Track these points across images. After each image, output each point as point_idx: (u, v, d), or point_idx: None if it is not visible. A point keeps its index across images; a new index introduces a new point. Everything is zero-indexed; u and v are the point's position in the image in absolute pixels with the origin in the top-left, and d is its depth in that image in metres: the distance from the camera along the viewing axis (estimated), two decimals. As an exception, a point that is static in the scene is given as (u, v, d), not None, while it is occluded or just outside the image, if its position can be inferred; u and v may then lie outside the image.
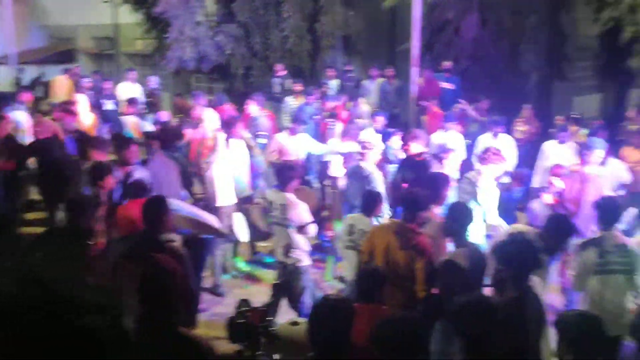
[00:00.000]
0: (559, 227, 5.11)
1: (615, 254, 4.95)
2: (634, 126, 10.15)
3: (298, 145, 9.24)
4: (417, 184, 7.27)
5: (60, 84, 13.73)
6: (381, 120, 9.81)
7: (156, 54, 16.98)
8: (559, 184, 7.17)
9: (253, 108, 10.31)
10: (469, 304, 3.30)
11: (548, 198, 7.08)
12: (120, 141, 7.42)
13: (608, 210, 5.17)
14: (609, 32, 12.60)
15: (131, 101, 11.03)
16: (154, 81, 14.39)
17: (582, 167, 7.32)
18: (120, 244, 6.00)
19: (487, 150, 6.94)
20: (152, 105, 13.05)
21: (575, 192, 7.09)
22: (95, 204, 5.80)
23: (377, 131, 9.57)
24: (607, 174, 7.65)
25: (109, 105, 12.53)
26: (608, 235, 5.04)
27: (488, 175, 6.78)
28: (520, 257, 4.08)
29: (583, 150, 7.60)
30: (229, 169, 7.69)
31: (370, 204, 5.92)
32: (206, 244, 6.93)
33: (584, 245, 5.13)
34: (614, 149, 8.83)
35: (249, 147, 9.08)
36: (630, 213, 6.03)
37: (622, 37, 10.50)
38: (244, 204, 8.02)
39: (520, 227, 5.91)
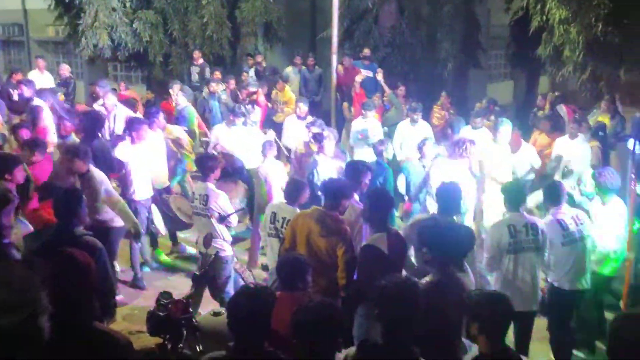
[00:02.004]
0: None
1: (525, 233, 5.19)
2: (541, 112, 10.64)
3: (235, 138, 8.98)
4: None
5: None
6: (303, 107, 9.63)
7: (70, 40, 16.23)
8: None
9: (181, 98, 10.04)
10: (390, 287, 3.26)
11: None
12: None
13: (513, 193, 5.45)
14: (518, 21, 13.14)
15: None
16: (66, 69, 13.81)
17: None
18: (33, 239, 5.78)
19: (462, 142, 6.94)
20: (65, 94, 12.55)
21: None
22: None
23: (300, 118, 9.54)
24: (519, 158, 7.98)
25: (16, 95, 11.95)
26: (516, 216, 5.28)
27: (464, 166, 6.89)
28: (445, 241, 4.20)
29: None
30: (146, 160, 7.50)
31: (293, 192, 5.92)
32: (115, 233, 6.67)
33: (496, 227, 5.36)
34: (525, 134, 9.22)
35: (177, 138, 8.86)
36: (539, 195, 6.30)
37: (531, 26, 10.92)
38: (162, 194, 7.87)
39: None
